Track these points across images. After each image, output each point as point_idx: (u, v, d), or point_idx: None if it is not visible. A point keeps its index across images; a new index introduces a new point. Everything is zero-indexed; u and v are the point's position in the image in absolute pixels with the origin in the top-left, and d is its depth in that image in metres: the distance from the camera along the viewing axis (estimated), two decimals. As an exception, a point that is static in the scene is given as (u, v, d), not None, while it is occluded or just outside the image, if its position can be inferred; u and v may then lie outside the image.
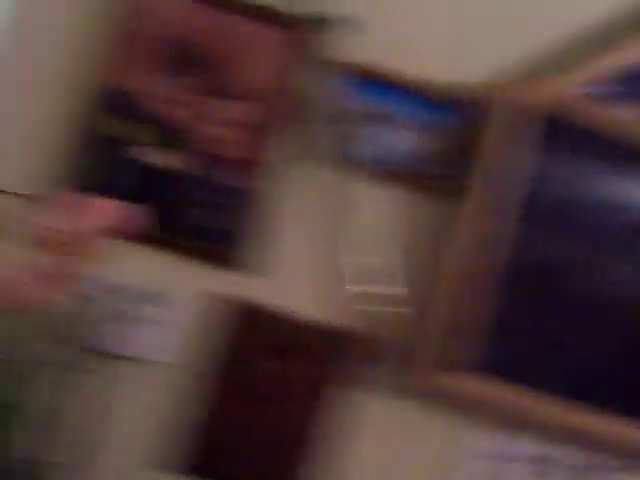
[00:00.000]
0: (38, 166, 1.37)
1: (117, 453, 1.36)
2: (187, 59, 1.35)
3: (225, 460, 1.39)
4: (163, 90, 1.35)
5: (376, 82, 1.42)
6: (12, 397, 1.12)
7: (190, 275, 1.39)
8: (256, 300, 1.41)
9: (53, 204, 1.08)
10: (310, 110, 1.37)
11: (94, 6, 1.40)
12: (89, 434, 1.27)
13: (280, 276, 1.43)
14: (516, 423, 1.44)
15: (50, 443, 1.20)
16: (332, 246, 1.42)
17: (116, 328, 1.29)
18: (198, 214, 1.36)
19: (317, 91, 1.35)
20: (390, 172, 1.44)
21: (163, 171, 1.35)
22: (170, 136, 1.34)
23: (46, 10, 1.40)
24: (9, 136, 1.38)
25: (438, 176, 1.44)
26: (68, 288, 1.07)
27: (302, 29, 1.37)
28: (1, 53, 1.36)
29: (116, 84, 1.35)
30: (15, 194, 1.19)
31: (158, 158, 1.33)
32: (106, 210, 1.07)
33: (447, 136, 1.45)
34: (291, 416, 1.40)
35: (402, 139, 1.44)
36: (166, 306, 1.36)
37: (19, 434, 1.15)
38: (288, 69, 1.37)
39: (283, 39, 1.37)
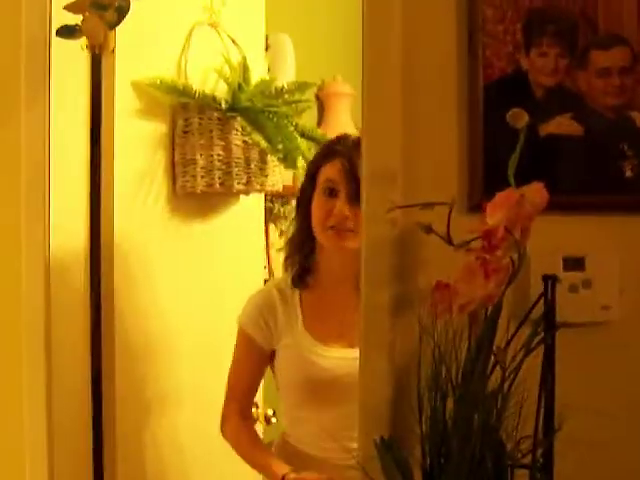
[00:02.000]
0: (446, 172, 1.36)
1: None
2: (548, 24, 1.35)
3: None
4: (541, 62, 1.35)
5: None
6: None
7: (612, 229, 1.37)
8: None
9: (488, 204, 1.11)
10: None
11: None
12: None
13: None
14: None
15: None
16: None
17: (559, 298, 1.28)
18: (611, 168, 1.36)
19: None
20: None
21: (566, 138, 1.36)
22: (564, 103, 1.35)
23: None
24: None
25: None
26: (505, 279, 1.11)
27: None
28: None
29: (498, 71, 1.35)
30: (437, 204, 1.18)
31: (555, 127, 1.35)
32: (533, 195, 1.10)
33: None
34: None
35: None
36: (594, 266, 1.36)
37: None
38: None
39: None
